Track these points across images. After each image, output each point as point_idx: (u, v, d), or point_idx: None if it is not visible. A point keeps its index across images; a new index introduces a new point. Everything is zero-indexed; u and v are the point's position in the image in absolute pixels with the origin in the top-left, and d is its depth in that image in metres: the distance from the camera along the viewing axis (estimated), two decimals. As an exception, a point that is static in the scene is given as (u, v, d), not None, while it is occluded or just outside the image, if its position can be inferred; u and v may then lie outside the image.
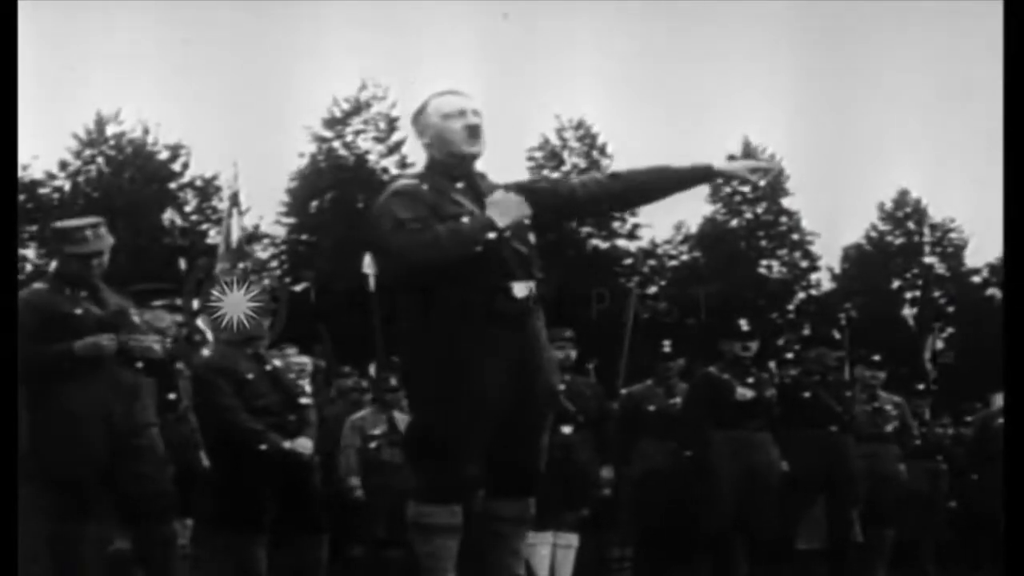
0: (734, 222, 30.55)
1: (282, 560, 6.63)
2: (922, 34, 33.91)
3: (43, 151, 26.77)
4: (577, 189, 4.47)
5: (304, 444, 6.61)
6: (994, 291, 29.19)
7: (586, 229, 29.20)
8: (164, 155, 28.69)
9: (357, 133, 29.17)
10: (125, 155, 28.46)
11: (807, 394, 8.44)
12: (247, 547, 6.45)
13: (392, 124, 29.08)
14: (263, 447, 6.43)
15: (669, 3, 31.61)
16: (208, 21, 33.43)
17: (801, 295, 30.61)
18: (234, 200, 10.32)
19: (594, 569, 8.76)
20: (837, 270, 30.99)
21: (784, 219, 30.93)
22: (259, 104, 33.07)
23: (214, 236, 27.01)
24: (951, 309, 29.80)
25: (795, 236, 30.87)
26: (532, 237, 4.34)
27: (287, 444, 6.51)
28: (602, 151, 30.07)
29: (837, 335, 10.15)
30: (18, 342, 4.69)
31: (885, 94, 31.13)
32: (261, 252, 27.27)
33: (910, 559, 9.57)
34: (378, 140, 29.23)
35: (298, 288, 24.14)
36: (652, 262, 29.70)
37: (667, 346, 8.91)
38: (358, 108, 29.21)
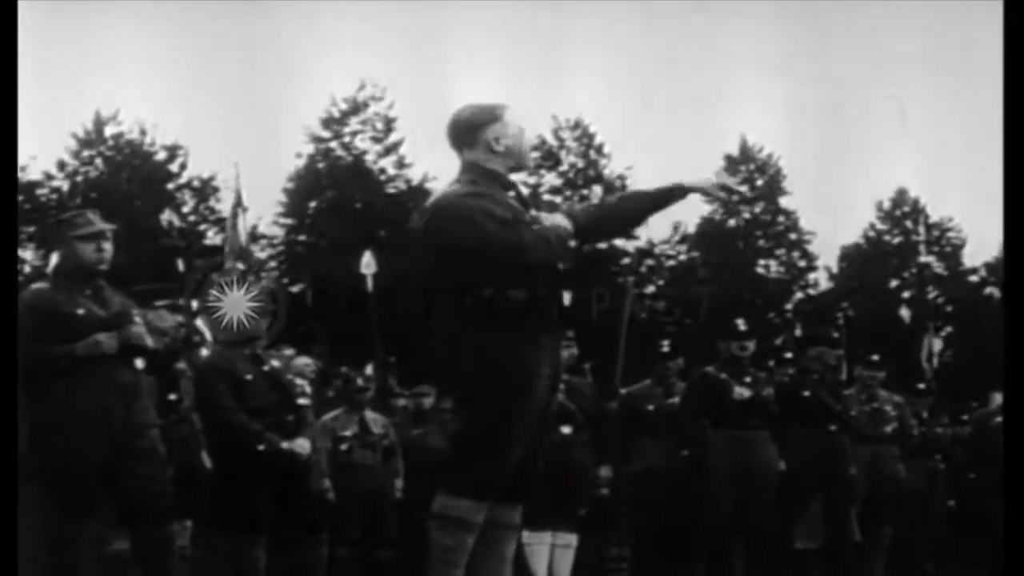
0: (731, 222, 30.57)
1: (282, 560, 6.63)
2: (921, 34, 33.91)
3: (41, 152, 26.86)
4: (578, 217, 4.48)
5: (302, 444, 6.61)
6: (992, 290, 29.21)
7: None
8: (162, 156, 28.71)
9: (355, 133, 29.18)
10: (123, 156, 28.47)
11: (806, 393, 8.45)
12: (246, 548, 6.46)
13: (390, 124, 29.09)
14: (261, 447, 6.44)
15: (668, 3, 31.66)
16: (205, 22, 33.41)
17: (799, 295, 30.63)
18: (239, 200, 10.32)
19: (592, 568, 8.76)
20: (835, 269, 31.02)
21: (782, 218, 30.96)
22: (256, 104, 33.04)
23: (212, 237, 27.03)
24: (949, 308, 29.82)
25: (793, 235, 30.90)
26: None
27: (285, 444, 6.53)
28: (599, 151, 30.10)
29: (835, 335, 10.17)
30: (20, 342, 4.69)
31: (883, 93, 31.12)
32: (259, 253, 27.25)
33: (908, 558, 9.57)
34: (376, 140, 29.24)
35: (295, 290, 24.14)
36: (650, 262, 29.70)
37: (665, 346, 8.95)
38: (356, 108, 29.21)
